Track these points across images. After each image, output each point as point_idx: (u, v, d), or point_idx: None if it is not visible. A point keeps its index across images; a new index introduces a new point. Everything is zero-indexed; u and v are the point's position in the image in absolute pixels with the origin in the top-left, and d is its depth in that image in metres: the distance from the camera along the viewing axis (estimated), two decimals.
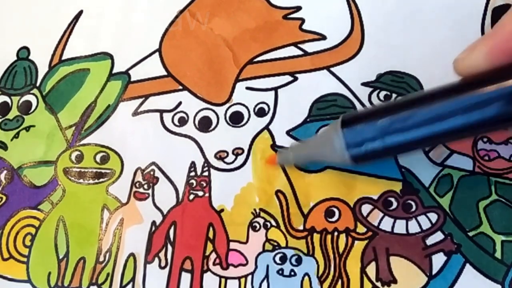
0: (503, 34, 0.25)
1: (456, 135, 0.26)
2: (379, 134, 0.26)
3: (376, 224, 0.32)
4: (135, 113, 0.36)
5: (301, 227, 0.33)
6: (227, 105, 0.35)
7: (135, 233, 0.34)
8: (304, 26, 0.36)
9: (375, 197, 0.32)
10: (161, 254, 0.33)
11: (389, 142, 0.26)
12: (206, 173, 0.34)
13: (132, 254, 0.34)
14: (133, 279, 0.33)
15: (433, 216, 0.32)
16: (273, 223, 0.33)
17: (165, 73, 0.37)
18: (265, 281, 0.32)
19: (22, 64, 0.38)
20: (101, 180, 0.35)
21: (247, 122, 0.35)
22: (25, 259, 0.35)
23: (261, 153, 0.34)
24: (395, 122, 0.26)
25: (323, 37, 0.36)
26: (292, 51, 0.36)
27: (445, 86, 0.25)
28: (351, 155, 0.28)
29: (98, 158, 0.36)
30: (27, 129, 0.37)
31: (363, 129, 0.27)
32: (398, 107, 0.26)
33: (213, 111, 0.35)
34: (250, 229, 0.33)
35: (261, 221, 0.33)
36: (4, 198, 0.36)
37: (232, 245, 0.33)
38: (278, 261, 0.32)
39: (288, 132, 0.34)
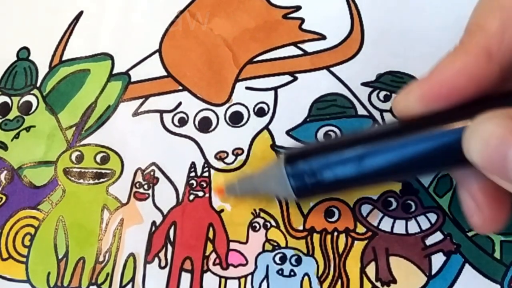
0: (437, 79, 0.24)
1: (390, 175, 0.27)
2: (320, 169, 0.27)
3: (375, 224, 0.32)
4: (135, 113, 0.36)
5: (300, 227, 0.33)
6: (227, 105, 0.35)
7: (135, 233, 0.34)
8: (304, 26, 0.37)
9: (375, 197, 0.32)
10: (161, 254, 0.33)
11: (328, 178, 0.27)
12: (206, 174, 0.34)
13: (132, 254, 0.34)
14: (132, 279, 0.33)
15: (433, 216, 0.32)
16: (273, 223, 0.33)
17: (165, 74, 0.37)
18: (265, 281, 0.32)
19: (22, 65, 0.38)
20: (101, 180, 0.35)
21: (246, 122, 0.35)
22: (24, 259, 0.34)
23: (261, 153, 0.34)
24: (334, 158, 0.27)
25: (323, 37, 0.36)
26: (292, 50, 0.36)
27: (385, 126, 0.27)
28: (295, 190, 0.28)
29: (98, 158, 0.36)
30: (27, 129, 0.37)
31: (305, 164, 0.28)
32: (340, 144, 0.27)
33: (213, 111, 0.35)
34: (250, 229, 0.33)
35: (261, 221, 0.33)
36: (4, 198, 0.36)
37: (232, 245, 0.33)
38: (278, 261, 0.32)
39: (288, 132, 0.34)
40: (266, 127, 0.35)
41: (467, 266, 0.31)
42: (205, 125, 0.35)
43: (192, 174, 0.34)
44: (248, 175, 0.32)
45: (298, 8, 0.37)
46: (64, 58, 0.38)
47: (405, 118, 0.26)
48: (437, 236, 0.31)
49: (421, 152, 0.24)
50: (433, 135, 0.24)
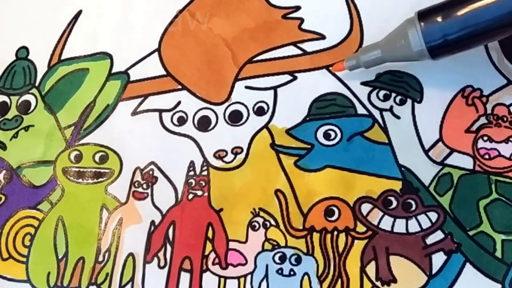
0: None
1: None
2: (457, 25, 0.28)
3: (376, 223, 0.32)
4: (134, 112, 0.36)
5: (300, 227, 0.32)
6: (226, 104, 0.35)
7: (134, 233, 0.34)
8: (303, 26, 0.36)
9: (375, 196, 0.32)
10: (160, 254, 0.33)
11: (460, 28, 0.28)
12: (205, 173, 0.34)
13: (131, 254, 0.34)
14: (132, 279, 0.33)
15: (433, 215, 0.32)
16: (273, 222, 0.33)
17: (164, 73, 0.37)
18: (265, 280, 0.32)
19: (21, 64, 0.38)
20: (100, 179, 0.35)
21: (246, 121, 0.35)
22: (24, 259, 0.34)
23: (260, 152, 0.34)
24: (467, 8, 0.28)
25: (322, 37, 0.36)
26: (291, 50, 0.36)
27: None
28: (429, 48, 0.29)
29: (97, 157, 0.36)
30: (26, 128, 0.37)
31: (440, 20, 0.28)
32: None
33: (212, 110, 0.35)
34: (250, 229, 0.33)
35: (261, 220, 0.33)
36: (3, 198, 0.36)
37: (232, 245, 0.33)
38: (277, 261, 0.32)
39: (287, 131, 0.34)
40: (266, 126, 0.35)
41: (468, 265, 0.31)
42: (204, 124, 0.35)
43: (191, 173, 0.34)
44: (371, 44, 0.32)
45: (297, 8, 0.37)
46: (63, 57, 0.38)
47: None
48: (438, 235, 0.31)
49: None
50: None
